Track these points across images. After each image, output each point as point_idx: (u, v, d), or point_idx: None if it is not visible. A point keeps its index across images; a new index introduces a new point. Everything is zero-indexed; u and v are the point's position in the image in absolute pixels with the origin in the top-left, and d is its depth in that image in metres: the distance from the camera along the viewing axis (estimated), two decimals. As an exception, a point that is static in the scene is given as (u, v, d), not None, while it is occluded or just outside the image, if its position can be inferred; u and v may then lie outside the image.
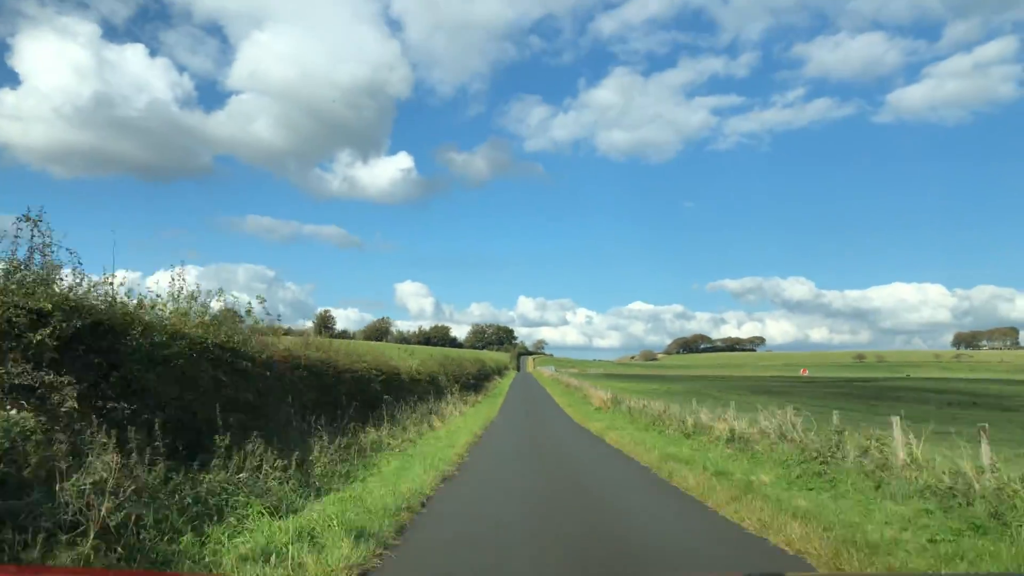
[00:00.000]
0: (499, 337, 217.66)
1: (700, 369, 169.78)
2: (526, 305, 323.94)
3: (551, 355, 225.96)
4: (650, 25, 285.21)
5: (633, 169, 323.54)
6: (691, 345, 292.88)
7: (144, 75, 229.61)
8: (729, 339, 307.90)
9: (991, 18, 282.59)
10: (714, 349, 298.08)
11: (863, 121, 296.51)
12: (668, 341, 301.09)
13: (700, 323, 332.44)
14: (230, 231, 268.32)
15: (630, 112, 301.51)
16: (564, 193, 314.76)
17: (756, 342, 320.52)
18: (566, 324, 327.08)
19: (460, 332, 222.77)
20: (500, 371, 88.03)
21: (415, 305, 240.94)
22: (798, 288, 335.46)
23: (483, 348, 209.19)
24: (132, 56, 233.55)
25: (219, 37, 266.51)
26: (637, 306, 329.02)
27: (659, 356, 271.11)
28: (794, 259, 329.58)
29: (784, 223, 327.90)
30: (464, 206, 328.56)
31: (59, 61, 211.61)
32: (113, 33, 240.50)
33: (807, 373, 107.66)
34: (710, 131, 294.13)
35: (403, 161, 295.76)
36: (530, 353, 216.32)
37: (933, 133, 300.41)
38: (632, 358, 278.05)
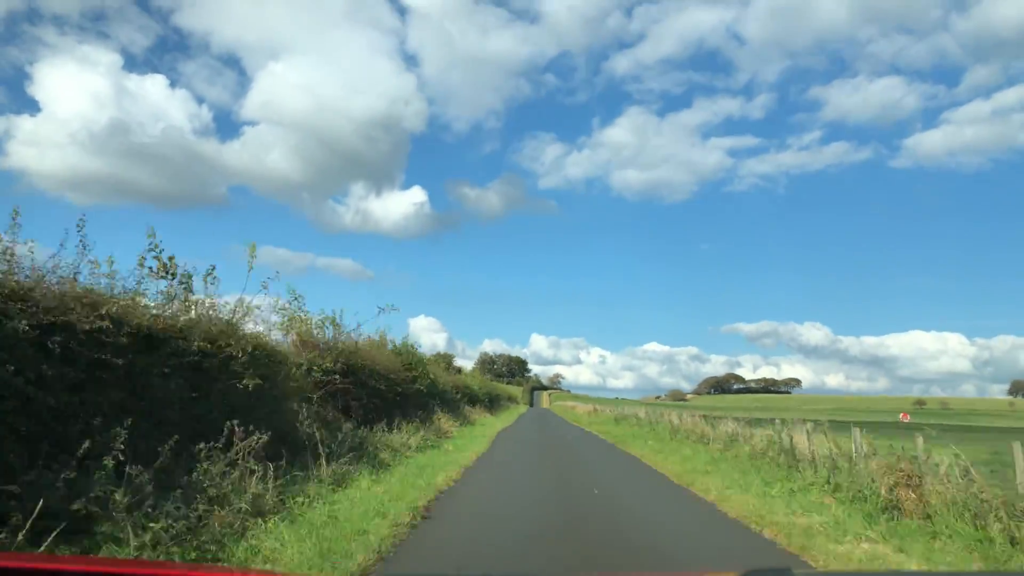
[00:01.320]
0: (510, 369, 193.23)
1: (753, 411, 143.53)
2: (539, 343, 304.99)
3: (568, 391, 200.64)
4: (665, 65, 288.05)
5: (647, 209, 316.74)
6: (723, 385, 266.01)
7: (163, 105, 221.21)
8: (764, 380, 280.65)
9: (1011, 63, 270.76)
10: (748, 390, 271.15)
11: (880, 166, 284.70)
12: (683, 383, 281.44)
13: (715, 366, 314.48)
14: (245, 262, 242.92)
15: (645, 152, 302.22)
16: (578, 231, 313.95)
17: (791, 384, 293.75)
18: (579, 363, 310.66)
19: (468, 364, 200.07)
20: (493, 401, 62.19)
21: (428, 340, 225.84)
22: (814, 333, 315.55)
23: (492, 381, 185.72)
24: (152, 87, 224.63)
25: (236, 68, 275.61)
26: (652, 347, 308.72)
27: (689, 396, 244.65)
28: (811, 304, 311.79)
29: (801, 267, 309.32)
30: (477, 242, 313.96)
31: (79, 90, 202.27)
32: (133, 63, 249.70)
33: (908, 419, 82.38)
34: (726, 172, 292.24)
35: (417, 195, 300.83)
36: (545, 388, 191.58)
37: (951, 180, 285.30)
38: (658, 398, 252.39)
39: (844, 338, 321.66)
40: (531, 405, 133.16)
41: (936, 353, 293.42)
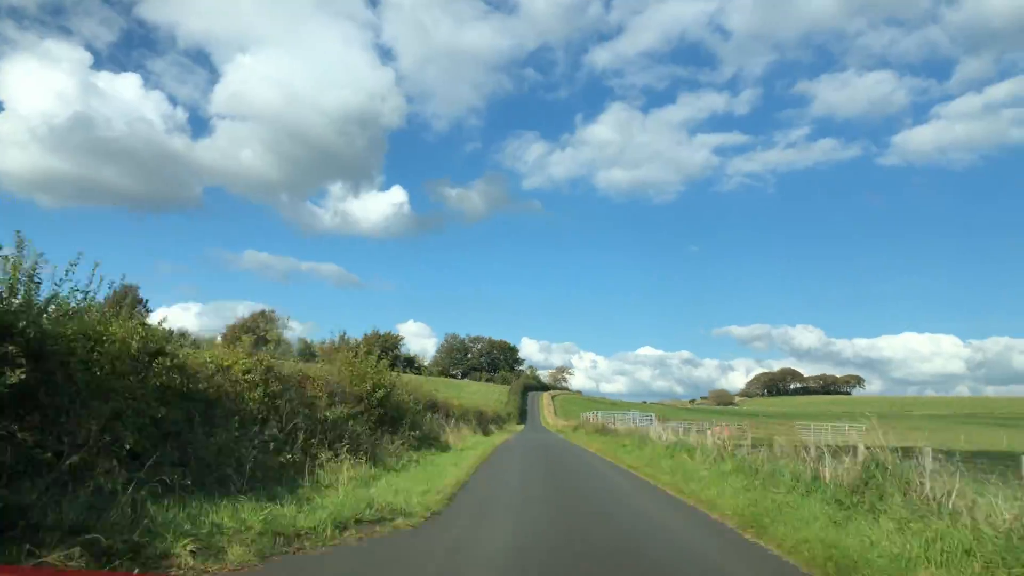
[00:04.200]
0: (492, 360, 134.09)
1: (899, 423, 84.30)
2: (530, 347, 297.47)
3: (578, 392, 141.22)
4: (646, 59, 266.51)
5: (634, 210, 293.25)
6: (778, 384, 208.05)
7: (136, 105, 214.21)
8: (822, 377, 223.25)
9: (1003, 56, 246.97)
10: (806, 391, 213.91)
11: (869, 163, 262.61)
12: (676, 387, 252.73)
13: (708, 370, 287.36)
14: (227, 266, 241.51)
15: (629, 149, 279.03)
16: (565, 233, 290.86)
17: (851, 382, 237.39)
18: (571, 367, 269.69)
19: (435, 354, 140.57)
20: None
21: (417, 346, 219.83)
22: (807, 336, 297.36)
23: (462, 377, 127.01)
24: (122, 86, 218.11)
25: (205, 63, 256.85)
26: (646, 351, 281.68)
27: (737, 399, 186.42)
28: (803, 306, 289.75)
29: (792, 269, 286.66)
30: (461, 244, 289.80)
31: (45, 89, 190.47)
32: (101, 62, 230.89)
33: None
34: (713, 171, 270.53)
35: (396, 196, 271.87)
36: (545, 387, 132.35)
37: (942, 177, 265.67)
38: (692, 402, 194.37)
39: (837, 340, 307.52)
40: (523, 422, 73.97)
41: (929, 355, 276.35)
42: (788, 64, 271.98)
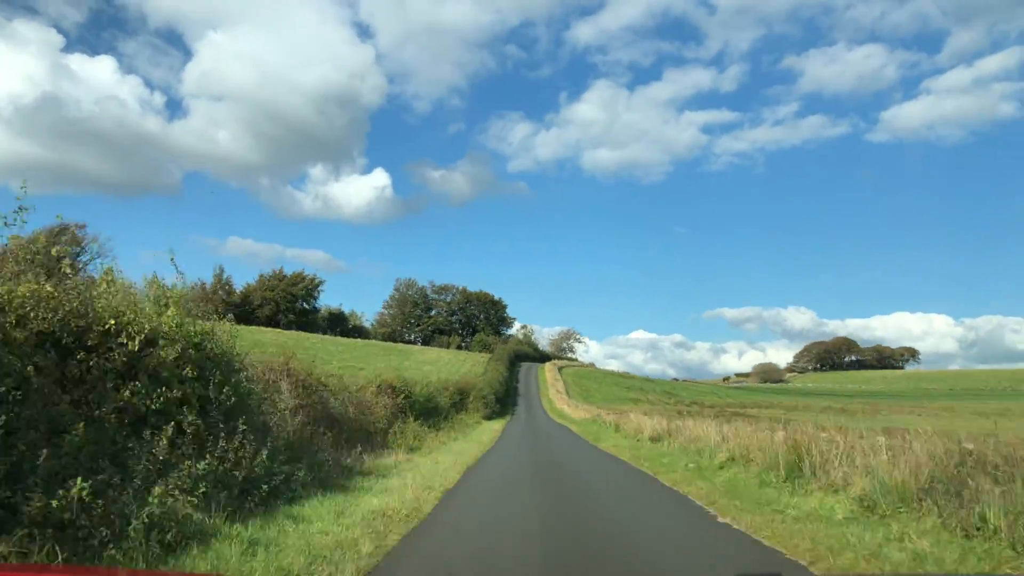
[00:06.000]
0: (468, 319, 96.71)
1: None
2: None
3: (591, 365, 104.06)
4: (630, 34, 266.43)
5: (622, 190, 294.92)
6: (833, 357, 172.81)
7: (112, 88, 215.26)
8: (877, 349, 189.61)
9: (995, 27, 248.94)
10: (861, 364, 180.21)
11: (858, 140, 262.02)
12: (669, 370, 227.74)
13: (700, 352, 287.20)
14: (211, 254, 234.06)
15: (615, 128, 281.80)
16: (553, 216, 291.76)
17: (906, 355, 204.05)
18: (580, 334, 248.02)
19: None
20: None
21: None
22: (799, 317, 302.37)
23: (423, 343, 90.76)
24: (95, 69, 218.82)
25: (178, 45, 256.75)
26: (638, 335, 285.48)
27: (789, 376, 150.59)
28: (794, 287, 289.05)
29: (782, 249, 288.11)
30: (447, 228, 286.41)
31: (14, 71, 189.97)
32: (72, 43, 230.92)
33: None
34: (701, 151, 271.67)
35: (379, 179, 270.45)
36: (545, 357, 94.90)
37: (931, 153, 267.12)
38: (726, 380, 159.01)
39: (829, 321, 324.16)
40: (510, 410, 37.45)
41: (921, 334, 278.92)
42: (775, 39, 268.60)
